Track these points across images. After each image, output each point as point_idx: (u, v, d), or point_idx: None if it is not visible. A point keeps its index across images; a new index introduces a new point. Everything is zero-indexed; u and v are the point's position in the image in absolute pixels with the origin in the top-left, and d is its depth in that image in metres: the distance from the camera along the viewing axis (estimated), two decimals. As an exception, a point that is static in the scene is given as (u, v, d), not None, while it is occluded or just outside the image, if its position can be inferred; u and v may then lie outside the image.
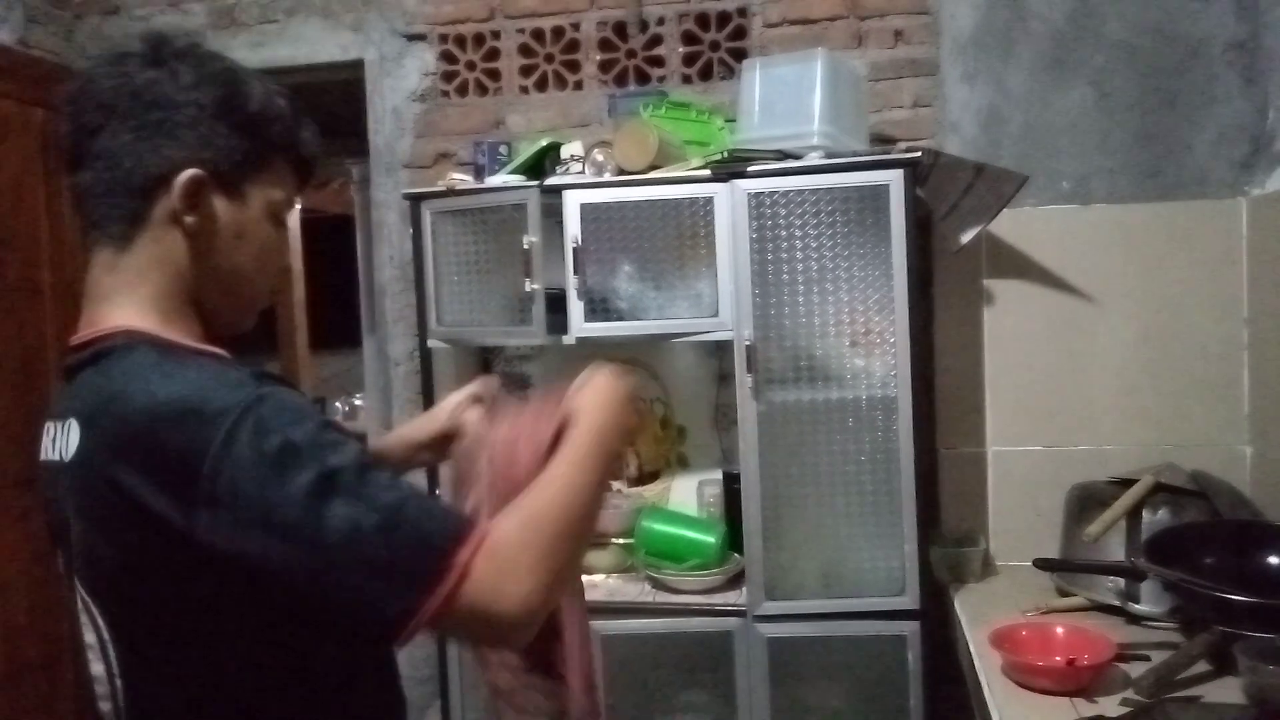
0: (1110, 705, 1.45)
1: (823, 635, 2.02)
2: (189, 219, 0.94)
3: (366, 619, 0.84)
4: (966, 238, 2.14)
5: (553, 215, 2.08)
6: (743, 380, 2.01)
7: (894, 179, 1.94)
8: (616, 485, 2.43)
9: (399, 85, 2.53)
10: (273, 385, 0.88)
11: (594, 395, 1.07)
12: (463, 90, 2.52)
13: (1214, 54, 2.18)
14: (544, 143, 2.19)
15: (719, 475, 2.35)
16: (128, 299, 0.94)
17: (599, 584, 2.25)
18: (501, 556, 0.86)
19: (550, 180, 2.09)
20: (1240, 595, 1.52)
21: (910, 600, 1.98)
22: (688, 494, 2.40)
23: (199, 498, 0.82)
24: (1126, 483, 1.94)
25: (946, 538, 2.15)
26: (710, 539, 2.17)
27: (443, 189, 2.15)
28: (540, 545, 0.89)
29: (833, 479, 2.03)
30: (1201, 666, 1.52)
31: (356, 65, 2.56)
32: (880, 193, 1.96)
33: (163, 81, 0.93)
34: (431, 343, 2.19)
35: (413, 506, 0.85)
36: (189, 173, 0.93)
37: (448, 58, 2.52)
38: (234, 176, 0.96)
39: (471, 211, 2.16)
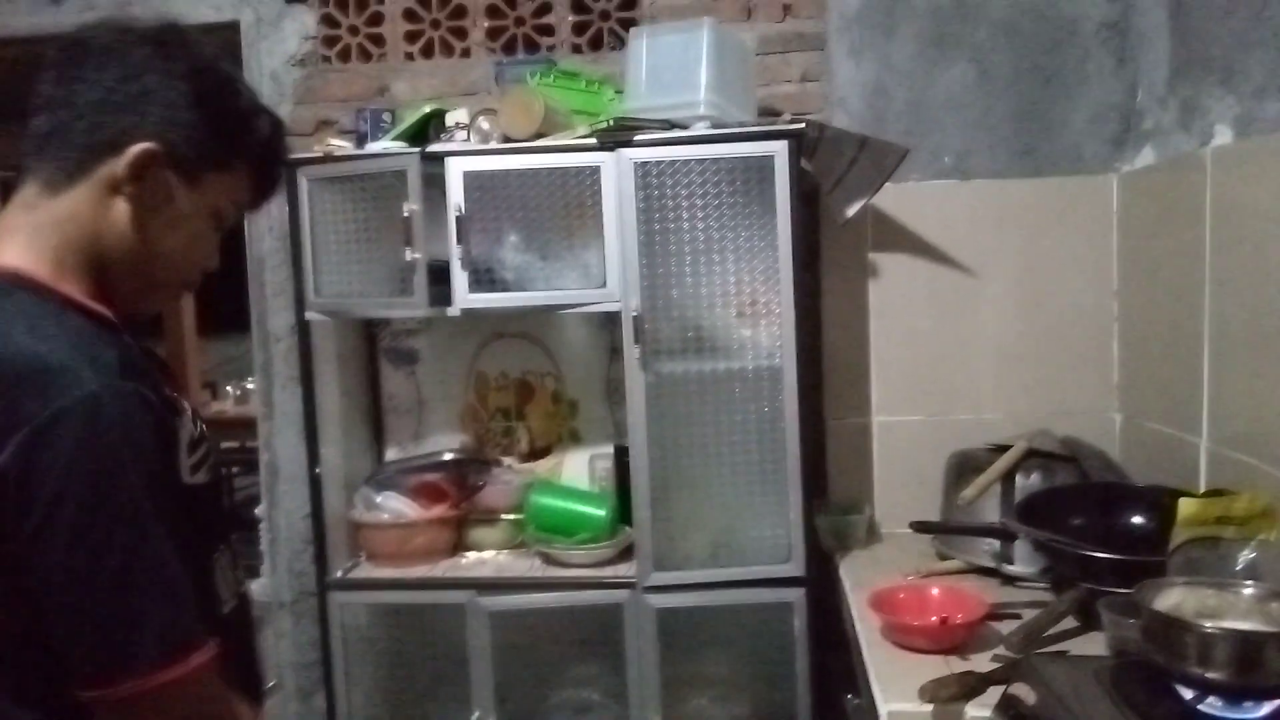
0: (982, 662, 1.49)
1: (711, 604, 2.03)
2: (128, 188, 0.94)
3: (78, 658, 0.85)
4: (851, 211, 2.16)
5: (437, 185, 2.02)
6: (630, 351, 2.00)
7: (779, 150, 1.95)
8: (508, 460, 2.40)
9: (277, 49, 2.43)
10: (134, 383, 0.87)
11: None
12: (345, 56, 2.43)
13: (1088, 33, 2.24)
14: (428, 109, 2.13)
15: (611, 449, 2.33)
16: (30, 242, 0.93)
17: (488, 560, 2.21)
18: (219, 690, 0.90)
19: (432, 147, 2.04)
20: (1102, 553, 1.57)
21: (796, 568, 2.00)
22: (580, 469, 2.38)
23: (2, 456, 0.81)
24: (1003, 449, 1.99)
25: (833, 506, 2.18)
26: (600, 512, 2.16)
27: (319, 155, 2.08)
28: None
29: (720, 450, 2.04)
30: (1069, 623, 1.57)
31: (232, 27, 2.44)
32: (766, 164, 1.96)
33: (155, 61, 0.95)
34: (310, 315, 2.11)
35: (178, 591, 0.87)
36: (142, 145, 0.93)
37: (329, 21, 2.43)
38: (192, 165, 0.97)
39: (351, 179, 2.09)
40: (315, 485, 2.15)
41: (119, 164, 0.93)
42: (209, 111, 0.97)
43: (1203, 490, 1.72)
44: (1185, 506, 1.52)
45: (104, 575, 0.83)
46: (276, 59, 2.43)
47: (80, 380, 0.83)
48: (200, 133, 0.96)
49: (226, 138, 0.99)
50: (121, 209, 0.95)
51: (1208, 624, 1.17)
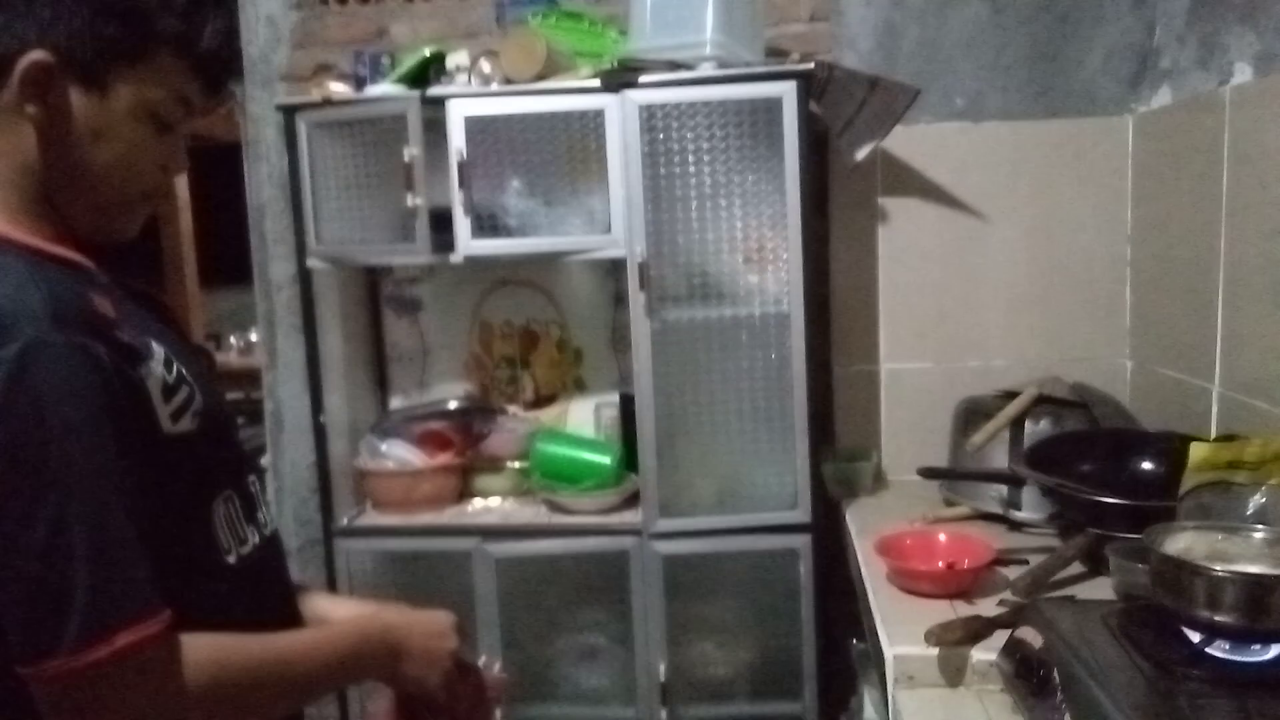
0: (988, 606, 1.48)
1: (717, 551, 2.04)
2: (31, 109, 0.85)
3: (11, 632, 0.78)
4: (861, 154, 2.13)
5: (438, 129, 1.99)
6: (636, 298, 1.97)
7: (787, 91, 1.91)
8: (513, 408, 2.39)
9: (274, -9, 2.38)
10: (67, 334, 0.79)
11: (415, 632, 1.06)
12: (343, -3, 2.38)
13: (1105, -30, 2.18)
14: (428, 52, 2.09)
15: (616, 397, 2.32)
16: None
17: (493, 507, 2.22)
18: (169, 670, 0.81)
19: (433, 90, 2.00)
20: (1111, 498, 1.56)
21: (802, 514, 2.00)
22: (585, 417, 2.37)
23: None
24: (1012, 395, 1.97)
25: (840, 453, 2.17)
26: (606, 460, 2.15)
27: (318, 99, 2.04)
28: (225, 696, 0.85)
29: (727, 397, 2.03)
30: (1076, 568, 1.56)
31: (227, -31, 2.39)
32: (774, 105, 1.92)
33: None
34: (311, 263, 2.09)
35: (113, 562, 0.79)
36: (31, 57, 0.83)
37: (326, -38, 2.37)
38: (94, 66, 0.86)
39: (350, 124, 2.05)
40: (320, 434, 2.14)
41: (11, 84, 0.84)
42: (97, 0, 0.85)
43: (1214, 436, 1.70)
44: (1196, 451, 1.50)
45: (31, 547, 0.76)
46: (273, 2, 2.38)
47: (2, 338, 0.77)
48: (95, 24, 0.84)
49: (129, 21, 0.86)
50: (34, 130, 0.86)
51: (1217, 567, 1.16)
